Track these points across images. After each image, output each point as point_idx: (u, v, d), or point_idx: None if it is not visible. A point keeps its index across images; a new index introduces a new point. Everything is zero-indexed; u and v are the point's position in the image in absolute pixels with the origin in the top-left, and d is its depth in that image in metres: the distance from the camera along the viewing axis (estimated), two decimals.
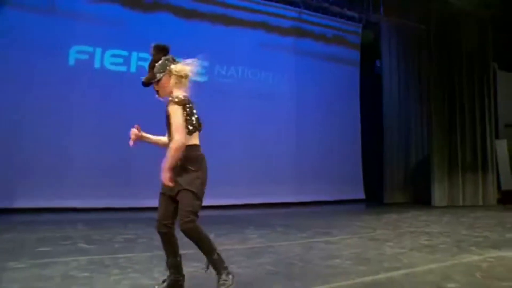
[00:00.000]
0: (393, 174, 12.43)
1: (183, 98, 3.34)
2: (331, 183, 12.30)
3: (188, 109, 3.38)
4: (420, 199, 11.68)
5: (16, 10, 9.34)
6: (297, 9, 12.44)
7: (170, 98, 3.35)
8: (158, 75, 3.42)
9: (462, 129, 11.86)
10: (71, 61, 9.90)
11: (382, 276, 4.20)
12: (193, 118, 3.42)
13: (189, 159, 3.34)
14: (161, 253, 3.63)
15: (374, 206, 11.81)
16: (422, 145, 12.69)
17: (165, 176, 3.25)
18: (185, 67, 3.44)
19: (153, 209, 3.69)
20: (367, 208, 11.68)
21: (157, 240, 3.68)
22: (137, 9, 10.57)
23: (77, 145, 9.62)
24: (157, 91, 3.48)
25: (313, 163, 12.18)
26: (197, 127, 3.45)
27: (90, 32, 9.97)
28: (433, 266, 4.61)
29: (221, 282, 3.37)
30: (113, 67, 10.31)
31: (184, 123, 3.32)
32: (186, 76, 3.42)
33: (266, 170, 11.54)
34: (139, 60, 10.47)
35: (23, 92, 9.24)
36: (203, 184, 3.38)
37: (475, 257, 5.00)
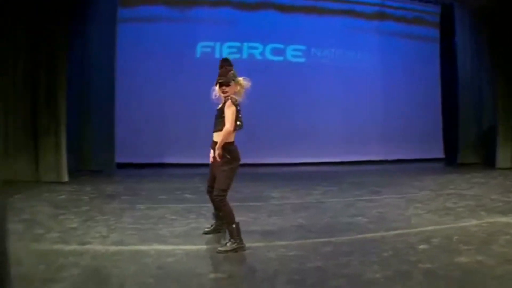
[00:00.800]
0: (466, 136, 11.67)
1: (238, 101, 3.90)
2: (413, 143, 12.08)
3: (239, 110, 3.93)
4: (489, 161, 10.98)
5: (156, 22, 10.69)
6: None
7: (230, 99, 3.93)
8: (232, 81, 3.98)
9: None
10: (198, 54, 11.01)
11: (378, 234, 4.45)
12: (240, 116, 3.97)
13: (229, 151, 3.93)
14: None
15: (445, 166, 11.49)
16: (493, 110, 11.72)
17: (219, 152, 3.89)
18: (247, 82, 3.99)
19: None
20: (437, 168, 11.30)
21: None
22: (246, 9, 11.23)
23: (206, 112, 10.68)
24: (224, 91, 4.03)
25: (397, 127, 12.02)
26: (240, 126, 3.99)
27: (211, 31, 10.96)
28: (430, 228, 4.64)
29: (225, 245, 3.86)
30: (230, 56, 11.01)
31: (234, 118, 3.90)
32: (245, 89, 3.96)
33: (357, 132, 11.77)
34: (249, 48, 11.32)
35: (166, 80, 10.56)
36: (233, 170, 3.97)
37: (474, 222, 4.87)
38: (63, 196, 6.44)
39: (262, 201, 6.28)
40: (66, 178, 7.78)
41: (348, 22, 11.83)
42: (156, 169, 10.11)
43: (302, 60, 11.54)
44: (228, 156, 3.93)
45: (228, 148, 3.92)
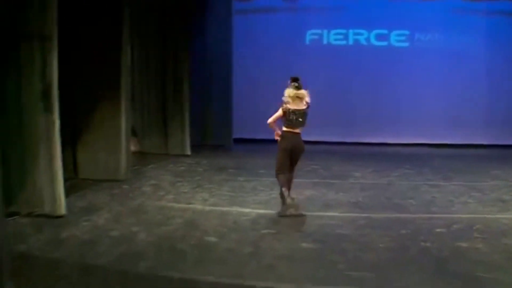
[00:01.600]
0: None
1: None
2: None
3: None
4: None
5: (268, 13, 12.30)
6: None
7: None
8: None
9: None
10: (308, 41, 12.41)
11: (412, 216, 5.47)
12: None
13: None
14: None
15: None
16: None
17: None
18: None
19: None
20: None
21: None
22: None
23: (315, 94, 12.10)
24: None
25: (501, 112, 11.99)
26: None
27: (319, 19, 12.24)
28: (463, 216, 5.48)
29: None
30: (336, 42, 12.37)
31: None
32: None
33: (459, 116, 12.03)
34: (355, 35, 12.30)
35: (277, 65, 11.78)
36: (284, 149, 5.44)
37: (500, 216, 5.51)
38: (183, 168, 8.53)
39: (340, 180, 7.60)
40: (188, 152, 9.91)
41: (453, 4, 11.98)
42: (266, 144, 11.83)
43: (405, 44, 12.12)
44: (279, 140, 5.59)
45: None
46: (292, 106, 5.38)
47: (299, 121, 5.44)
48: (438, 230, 5.00)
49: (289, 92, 5.48)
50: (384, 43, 12.24)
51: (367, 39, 12.26)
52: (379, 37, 12.25)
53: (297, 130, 5.46)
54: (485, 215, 5.58)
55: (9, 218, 4.96)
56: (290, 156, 5.45)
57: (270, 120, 5.48)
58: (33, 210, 5.34)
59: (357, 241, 4.61)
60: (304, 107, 5.43)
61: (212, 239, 4.65)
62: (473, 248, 4.48)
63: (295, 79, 5.60)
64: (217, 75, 11.51)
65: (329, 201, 6.20)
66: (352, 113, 11.96)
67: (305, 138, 11.12)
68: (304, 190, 6.50)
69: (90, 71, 6.77)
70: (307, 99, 5.46)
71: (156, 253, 4.26)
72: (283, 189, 5.42)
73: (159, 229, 4.93)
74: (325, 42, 12.29)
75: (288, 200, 5.36)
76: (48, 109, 5.23)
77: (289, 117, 5.41)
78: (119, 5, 7.02)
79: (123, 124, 7.10)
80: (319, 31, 12.35)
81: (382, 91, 11.95)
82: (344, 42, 12.23)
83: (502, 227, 5.15)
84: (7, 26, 5.19)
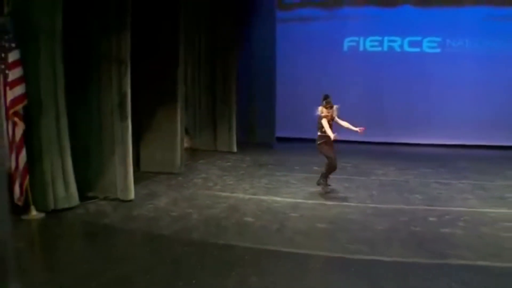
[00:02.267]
0: None
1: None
2: None
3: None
4: None
5: (309, 21, 13.74)
6: None
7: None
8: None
9: None
10: (345, 48, 13.77)
11: (412, 207, 6.76)
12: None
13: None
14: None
15: None
16: None
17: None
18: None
19: None
20: None
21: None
22: (386, 5, 13.35)
23: (352, 98, 13.41)
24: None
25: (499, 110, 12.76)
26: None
27: (356, 27, 13.54)
28: (457, 209, 6.69)
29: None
30: (372, 49, 13.66)
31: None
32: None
33: (489, 119, 12.93)
34: (389, 41, 13.54)
35: (318, 70, 13.52)
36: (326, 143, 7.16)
37: (490, 210, 6.63)
38: (229, 163, 10.18)
39: (364, 176, 8.97)
40: (235, 149, 11.55)
41: (483, 11, 12.91)
42: (306, 143, 13.29)
43: (437, 50, 13.20)
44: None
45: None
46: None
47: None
48: (430, 219, 6.33)
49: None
50: (417, 50, 13.39)
51: (401, 46, 13.47)
52: (412, 43, 13.42)
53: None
54: (477, 209, 6.79)
55: (90, 201, 6.77)
56: None
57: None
58: (108, 195, 7.09)
59: (361, 224, 6.05)
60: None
61: (249, 219, 6.25)
62: (452, 233, 5.80)
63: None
64: (262, 79, 13.07)
65: (347, 194, 7.63)
66: (385, 115, 13.26)
67: (341, 138, 12.70)
68: (329, 183, 7.97)
69: (152, 84, 8.50)
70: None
71: (205, 228, 5.90)
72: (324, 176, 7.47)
73: (208, 211, 6.58)
74: (361, 48, 13.63)
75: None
76: (123, 116, 6.93)
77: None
78: (176, 28, 8.70)
79: (178, 126, 8.80)
80: (356, 38, 13.68)
81: (414, 94, 13.10)
82: (379, 49, 13.51)
83: (486, 219, 6.34)
84: (91, 50, 6.92)
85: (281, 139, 13.38)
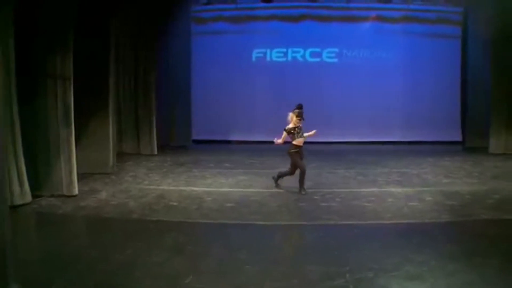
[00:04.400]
0: (474, 122, 15.04)
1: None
2: (432, 127, 16.01)
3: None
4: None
5: (221, 35, 16.33)
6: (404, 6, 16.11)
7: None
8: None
9: None
10: (254, 58, 16.55)
11: (296, 189, 9.56)
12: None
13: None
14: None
15: (447, 150, 14.97)
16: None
17: None
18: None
19: None
20: (437, 150, 14.60)
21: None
22: (290, 21, 16.32)
23: (260, 102, 16.24)
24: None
25: (419, 113, 16.04)
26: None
27: (263, 40, 16.35)
28: (333, 190, 9.55)
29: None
30: (277, 59, 16.54)
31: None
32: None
33: (383, 118, 16.15)
34: (293, 52, 16.49)
35: (229, 78, 16.20)
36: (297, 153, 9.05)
37: (362, 189, 9.45)
38: (153, 164, 12.39)
39: (268, 169, 11.36)
40: (156, 152, 13.76)
41: (376, 27, 16.18)
42: (220, 144, 15.90)
43: (335, 60, 16.36)
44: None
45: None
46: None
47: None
48: (315, 197, 8.95)
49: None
50: (317, 59, 16.42)
51: (303, 56, 16.43)
52: (313, 54, 16.44)
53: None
54: (353, 189, 9.50)
55: (39, 198, 8.66)
56: None
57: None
58: (55, 192, 8.99)
59: (260, 203, 8.56)
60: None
61: (174, 203, 8.55)
62: (329, 205, 8.43)
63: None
64: (179, 88, 15.41)
65: (253, 183, 10.14)
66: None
67: (250, 138, 15.41)
68: (238, 176, 10.63)
69: (87, 93, 10.30)
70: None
71: (141, 210, 8.10)
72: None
73: (141, 199, 8.77)
74: (268, 59, 16.46)
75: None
76: (68, 123, 8.83)
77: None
78: (107, 45, 10.74)
79: (110, 131, 10.87)
80: (263, 50, 16.52)
81: (315, 99, 15.85)
82: (284, 59, 16.44)
83: (358, 196, 9.00)
84: (39, 67, 8.67)
85: (197, 142, 15.96)
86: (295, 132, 8.67)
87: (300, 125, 8.71)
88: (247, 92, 16.02)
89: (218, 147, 15.65)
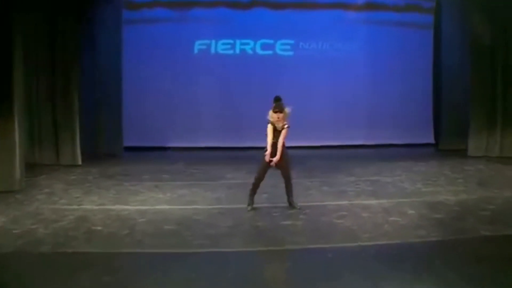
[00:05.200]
0: (450, 122, 14.74)
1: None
2: (401, 128, 15.57)
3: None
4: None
5: (157, 23, 15.10)
6: None
7: (285, 124, 7.68)
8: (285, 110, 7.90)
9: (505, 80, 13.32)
10: (196, 51, 15.40)
11: (256, 205, 8.47)
12: None
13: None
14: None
15: (421, 153, 14.63)
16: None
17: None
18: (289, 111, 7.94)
19: None
20: (409, 153, 14.17)
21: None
22: (238, 8, 15.31)
23: (204, 102, 15.21)
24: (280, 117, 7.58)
25: (386, 112, 15.56)
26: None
27: (207, 29, 15.28)
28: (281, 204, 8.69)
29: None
30: (224, 52, 15.49)
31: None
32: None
33: (344, 118, 15.50)
34: (241, 44, 15.48)
35: (167, 74, 15.10)
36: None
37: (331, 203, 8.48)
38: (74, 177, 11.01)
39: (213, 181, 10.47)
40: (79, 161, 12.36)
41: (336, 15, 15.44)
42: (156, 151, 14.67)
43: (290, 53, 15.46)
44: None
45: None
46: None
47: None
48: (273, 214, 7.97)
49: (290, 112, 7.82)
50: (270, 52, 15.53)
51: (253, 49, 15.49)
52: (264, 46, 15.51)
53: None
54: (318, 202, 8.62)
55: None
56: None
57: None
58: None
59: (206, 223, 7.45)
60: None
61: (98, 227, 7.28)
62: (293, 224, 7.46)
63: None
64: (107, 85, 13.97)
65: (196, 198, 9.04)
66: (239, 119, 15.04)
67: (192, 144, 14.29)
68: (178, 190, 9.48)
69: None
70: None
71: (53, 239, 6.79)
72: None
73: (55, 224, 7.44)
74: (213, 51, 15.39)
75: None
76: None
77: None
78: (8, 27, 9.33)
79: (17, 138, 9.46)
80: (207, 41, 15.40)
81: (268, 98, 14.90)
82: (231, 52, 15.40)
83: (325, 210, 8.15)
84: None
85: (130, 149, 14.53)
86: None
87: (279, 120, 7.70)
88: (188, 90, 15.00)
89: (154, 155, 14.47)
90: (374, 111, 15.54)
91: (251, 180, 9.31)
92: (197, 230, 7.14)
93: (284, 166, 7.87)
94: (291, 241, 6.68)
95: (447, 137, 14.93)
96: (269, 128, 7.63)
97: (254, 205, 8.16)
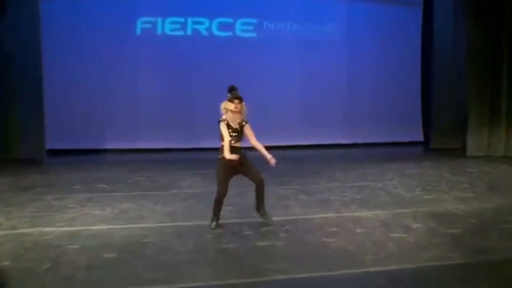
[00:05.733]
0: (442, 118, 14.36)
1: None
2: (385, 124, 15.11)
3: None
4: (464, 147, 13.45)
5: None
6: None
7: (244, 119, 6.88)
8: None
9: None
10: (139, 31, 14.17)
11: (222, 222, 7.20)
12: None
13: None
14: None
15: (411, 152, 14.29)
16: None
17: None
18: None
19: None
20: (398, 154, 13.83)
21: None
22: None
23: (148, 94, 14.10)
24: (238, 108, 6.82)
25: (367, 106, 15.04)
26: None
27: (152, 5, 14.13)
28: (274, 218, 7.62)
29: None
30: (172, 32, 14.33)
31: None
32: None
33: (319, 113, 14.67)
34: (194, 24, 14.40)
35: (101, 59, 13.78)
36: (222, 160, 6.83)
37: (315, 216, 7.72)
38: None
39: (163, 190, 9.42)
40: None
41: None
42: (88, 155, 13.43)
43: (253, 35, 14.61)
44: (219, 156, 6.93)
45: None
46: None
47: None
48: (245, 233, 6.95)
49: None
50: (228, 34, 14.53)
51: (208, 29, 14.46)
52: (222, 26, 14.49)
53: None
54: (300, 216, 7.71)
55: None
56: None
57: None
58: None
59: (160, 247, 6.29)
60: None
61: (6, 263, 5.92)
62: (271, 246, 6.46)
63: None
64: (24, 76, 12.54)
65: (145, 213, 7.84)
66: (192, 114, 14.07)
67: (135, 146, 13.10)
68: (120, 204, 8.24)
69: None
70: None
71: None
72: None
73: None
74: (159, 32, 14.23)
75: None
76: None
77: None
78: None
79: None
80: (152, 19, 14.26)
81: (225, 88, 13.89)
82: (181, 33, 14.32)
83: (310, 225, 7.24)
84: None
85: (54, 152, 13.32)
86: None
87: (236, 112, 6.96)
88: (129, 79, 13.79)
89: (87, 159, 13.16)
90: (353, 104, 15.06)
91: (211, 188, 8.24)
92: (148, 258, 6.01)
93: (251, 168, 7.08)
94: (272, 269, 5.71)
95: (439, 134, 14.54)
96: (223, 126, 6.91)
97: (220, 221, 7.19)
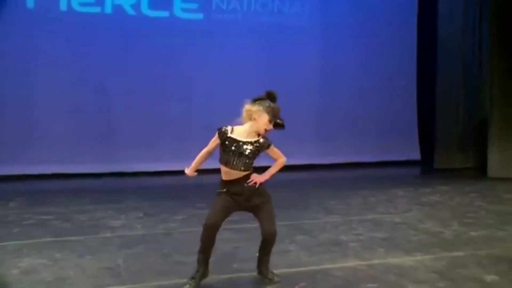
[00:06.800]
0: (447, 131, 13.90)
1: None
2: (373, 139, 14.52)
3: None
4: (481, 166, 13.07)
5: None
6: None
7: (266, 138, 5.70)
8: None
9: None
10: (31, 5, 12.45)
11: (177, 281, 5.71)
12: None
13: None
14: None
15: (409, 174, 13.72)
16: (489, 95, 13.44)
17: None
18: None
19: None
20: (392, 176, 13.34)
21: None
22: None
23: (50, 97, 12.48)
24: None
25: (349, 116, 14.40)
26: None
27: None
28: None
29: None
30: (83, 9, 12.80)
31: None
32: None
33: (286, 123, 13.31)
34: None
35: None
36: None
37: (332, 266, 6.51)
38: None
39: (90, 234, 7.83)
40: None
41: None
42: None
43: (198, 16, 13.60)
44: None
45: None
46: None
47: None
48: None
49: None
50: (164, 14, 13.42)
51: (136, 8, 13.19)
52: (155, 4, 13.32)
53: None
54: (312, 267, 6.44)
55: None
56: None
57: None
58: None
59: None
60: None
61: None
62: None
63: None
64: None
65: (64, 272, 6.25)
66: (113, 127, 12.93)
67: (33, 170, 11.47)
68: (21, 260, 6.60)
69: None
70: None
71: None
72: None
73: None
74: (64, 8, 12.70)
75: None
76: None
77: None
78: None
79: None
80: None
81: (159, 87, 13.19)
82: (97, 10, 12.91)
83: (336, 281, 5.94)
84: None
85: None
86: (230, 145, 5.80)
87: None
88: (21, 75, 12.27)
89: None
90: (330, 112, 14.46)
91: (159, 229, 8.08)
92: None
93: (265, 213, 6.07)
94: None
95: (445, 151, 14.15)
96: (216, 137, 5.86)
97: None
